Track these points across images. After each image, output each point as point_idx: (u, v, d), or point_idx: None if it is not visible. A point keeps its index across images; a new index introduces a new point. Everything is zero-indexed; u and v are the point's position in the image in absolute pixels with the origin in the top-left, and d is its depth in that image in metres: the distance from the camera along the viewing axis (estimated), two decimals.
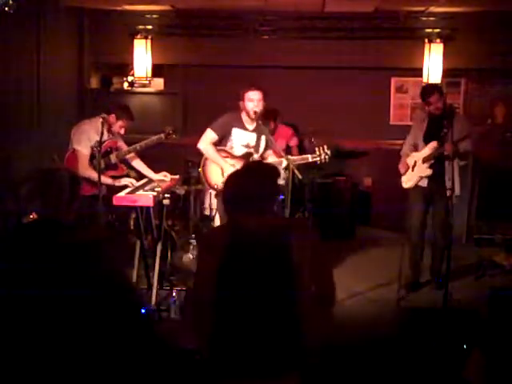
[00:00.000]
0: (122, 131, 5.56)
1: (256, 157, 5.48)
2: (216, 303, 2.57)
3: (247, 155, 5.48)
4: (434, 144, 5.62)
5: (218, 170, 5.49)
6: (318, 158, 5.42)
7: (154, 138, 5.54)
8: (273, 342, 2.54)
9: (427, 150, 5.67)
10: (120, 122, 5.50)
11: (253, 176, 2.70)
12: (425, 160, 5.67)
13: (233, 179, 2.74)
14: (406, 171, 5.87)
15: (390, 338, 4.54)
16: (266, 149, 5.58)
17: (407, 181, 5.87)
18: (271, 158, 5.57)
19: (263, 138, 5.52)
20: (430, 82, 7.58)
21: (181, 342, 2.69)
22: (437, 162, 5.62)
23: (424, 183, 5.77)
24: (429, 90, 5.74)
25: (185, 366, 2.68)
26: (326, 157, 5.41)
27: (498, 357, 2.96)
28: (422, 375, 4.04)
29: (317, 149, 5.44)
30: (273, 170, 2.79)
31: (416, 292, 5.82)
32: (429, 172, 5.67)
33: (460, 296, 5.26)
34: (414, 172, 5.80)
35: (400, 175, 5.91)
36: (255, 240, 2.57)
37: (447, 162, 5.53)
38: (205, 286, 2.59)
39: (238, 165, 5.27)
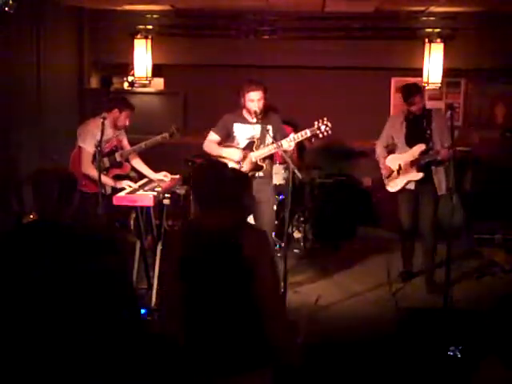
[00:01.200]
0: (127, 122, 5.60)
1: (262, 146, 5.35)
2: (181, 301, 2.67)
3: (248, 146, 5.40)
4: (421, 146, 5.59)
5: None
6: (318, 131, 5.12)
7: (159, 137, 5.56)
8: (236, 338, 2.62)
9: (414, 153, 5.63)
10: (124, 114, 5.55)
11: (204, 176, 2.80)
12: (413, 163, 5.64)
13: (195, 176, 2.86)
14: (390, 174, 5.83)
15: (389, 338, 4.54)
16: (275, 139, 5.22)
17: (393, 185, 5.80)
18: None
19: (270, 128, 5.34)
20: (432, 82, 7.59)
21: (180, 342, 2.72)
22: (425, 163, 5.60)
23: (411, 186, 5.72)
24: (414, 90, 5.64)
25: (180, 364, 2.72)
26: (327, 128, 5.12)
27: None
28: (421, 375, 4.05)
29: (316, 122, 5.14)
30: (226, 171, 2.83)
31: (409, 282, 5.91)
32: (420, 176, 5.62)
33: (460, 296, 5.25)
34: (401, 176, 5.74)
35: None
36: (206, 239, 2.65)
37: (434, 167, 5.59)
38: (170, 285, 2.71)
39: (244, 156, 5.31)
